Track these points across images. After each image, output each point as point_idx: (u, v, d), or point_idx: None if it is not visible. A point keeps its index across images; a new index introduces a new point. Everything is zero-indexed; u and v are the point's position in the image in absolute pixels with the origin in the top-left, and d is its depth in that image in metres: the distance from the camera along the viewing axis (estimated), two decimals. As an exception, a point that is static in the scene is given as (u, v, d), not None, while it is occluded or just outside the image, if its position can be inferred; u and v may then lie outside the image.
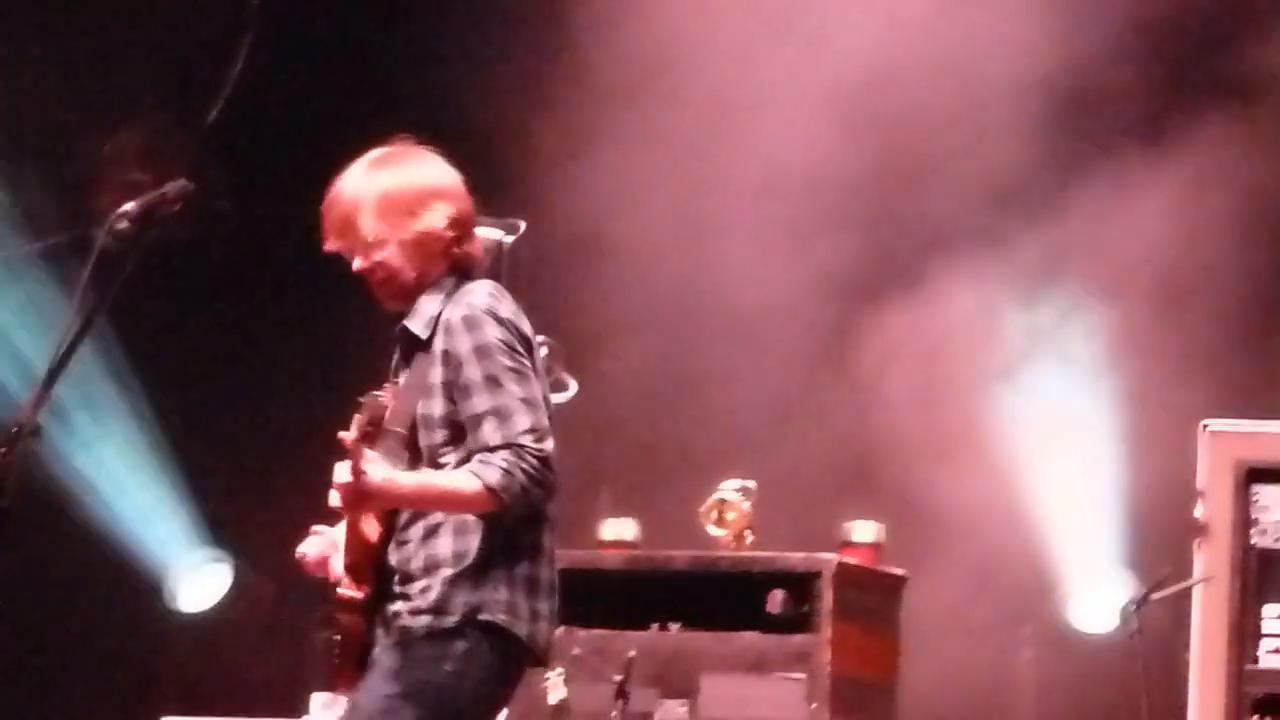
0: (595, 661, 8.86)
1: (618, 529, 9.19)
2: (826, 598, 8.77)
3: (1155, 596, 8.92)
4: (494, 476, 6.88)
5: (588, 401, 9.47)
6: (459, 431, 6.98)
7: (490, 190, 8.84)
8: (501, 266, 9.28)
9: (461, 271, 7.20)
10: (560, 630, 8.51)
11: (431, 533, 7.08)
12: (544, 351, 8.95)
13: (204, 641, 9.39)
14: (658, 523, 9.38)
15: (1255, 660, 8.53)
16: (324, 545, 7.41)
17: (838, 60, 11.02)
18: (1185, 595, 8.73)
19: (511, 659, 7.17)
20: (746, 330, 10.66)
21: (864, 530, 9.10)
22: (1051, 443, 10.08)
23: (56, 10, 11.51)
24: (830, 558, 8.88)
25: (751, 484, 9.21)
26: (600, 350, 9.91)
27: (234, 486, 10.09)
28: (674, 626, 8.96)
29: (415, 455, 7.30)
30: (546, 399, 7.29)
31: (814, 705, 8.74)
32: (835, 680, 8.73)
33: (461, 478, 6.99)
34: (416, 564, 7.03)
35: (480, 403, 6.92)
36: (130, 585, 11.30)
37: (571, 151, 11.02)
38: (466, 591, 7.00)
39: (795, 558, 8.94)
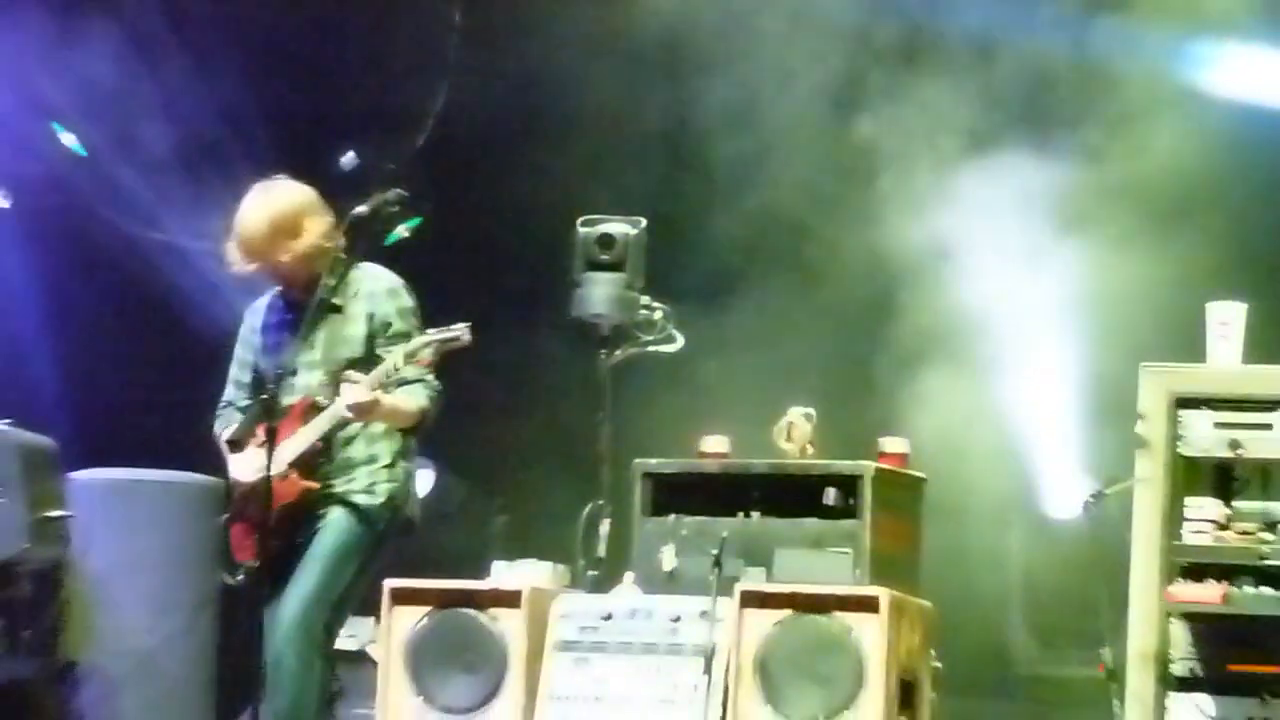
0: (698, 540, 9.07)
1: (715, 443, 9.35)
2: (867, 494, 8.95)
3: (1108, 492, 9.19)
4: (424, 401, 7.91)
5: (693, 353, 9.79)
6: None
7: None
8: (628, 253, 9.64)
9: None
10: (672, 517, 9.13)
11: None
12: (658, 314, 9.67)
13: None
14: (746, 439, 9.53)
15: (1179, 538, 8.60)
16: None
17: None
18: (1130, 491, 8.75)
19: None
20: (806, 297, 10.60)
21: (894, 444, 9.27)
22: (1037, 377, 10.10)
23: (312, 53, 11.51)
24: (869, 464, 9.06)
25: (812, 410, 9.41)
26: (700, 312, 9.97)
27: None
28: (755, 515, 9.16)
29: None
30: None
31: (858, 572, 8.90)
32: (874, 555, 8.94)
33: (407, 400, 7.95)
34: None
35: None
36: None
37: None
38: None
39: (844, 464, 9.10)
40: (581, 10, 10.83)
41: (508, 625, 8.94)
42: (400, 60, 11.28)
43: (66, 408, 10.16)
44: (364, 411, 7.93)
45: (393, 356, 7.95)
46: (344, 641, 9.23)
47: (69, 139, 11.57)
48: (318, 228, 8.19)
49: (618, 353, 9.39)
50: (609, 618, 8.98)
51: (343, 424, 8.03)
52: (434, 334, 7.98)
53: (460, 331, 8.00)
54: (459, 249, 9.75)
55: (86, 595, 9.90)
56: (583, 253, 9.48)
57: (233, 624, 9.93)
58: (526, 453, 9.87)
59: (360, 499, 8.13)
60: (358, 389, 7.88)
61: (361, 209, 8.27)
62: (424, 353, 7.96)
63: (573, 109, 10.90)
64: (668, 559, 9.20)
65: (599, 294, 9.41)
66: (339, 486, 8.16)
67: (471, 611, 8.99)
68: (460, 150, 11.19)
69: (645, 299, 9.46)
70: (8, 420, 9.73)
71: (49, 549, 9.70)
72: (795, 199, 10.49)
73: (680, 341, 9.49)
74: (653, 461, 9.35)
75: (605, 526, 9.63)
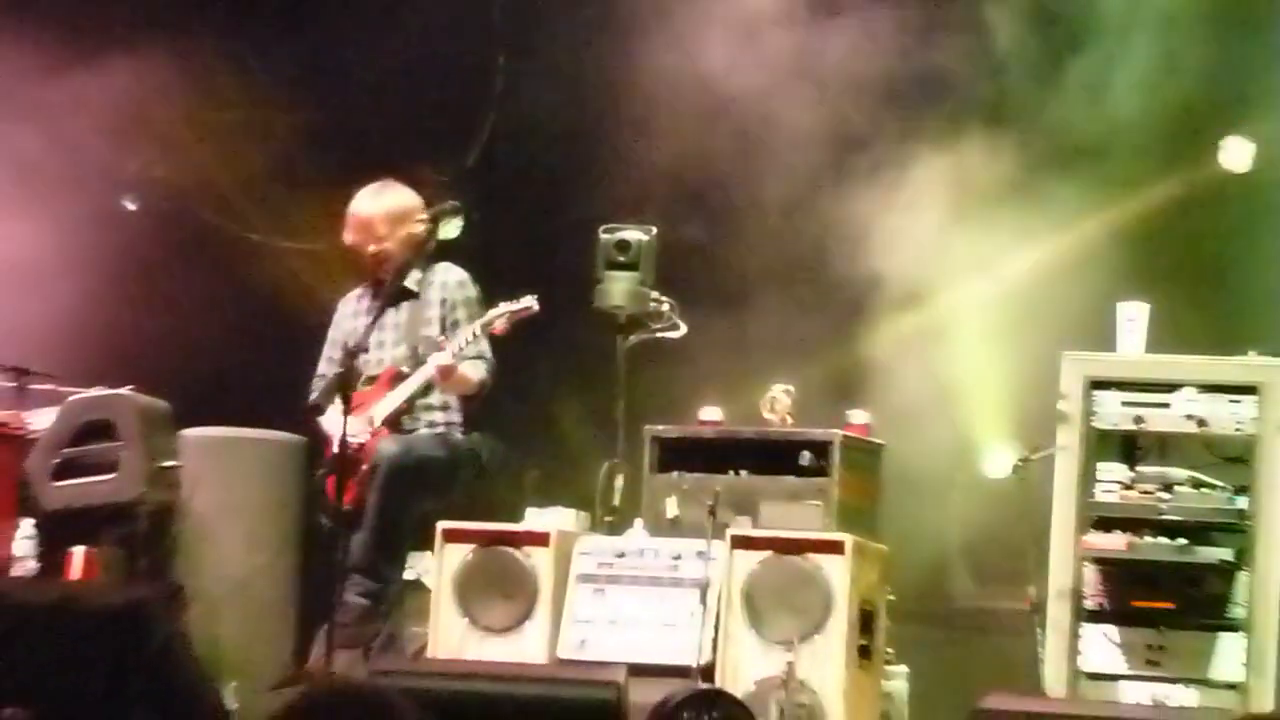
0: (696, 493, 9.06)
1: (710, 413, 9.36)
2: (835, 457, 8.99)
3: (1034, 457, 9.18)
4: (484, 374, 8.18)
5: (693, 336, 9.60)
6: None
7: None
8: (641, 255, 9.49)
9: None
10: (675, 474, 9.13)
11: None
12: (665, 306, 9.63)
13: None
14: (737, 409, 9.53)
15: (1092, 496, 8.73)
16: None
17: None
18: (1052, 457, 8.89)
19: None
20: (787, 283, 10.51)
21: (858, 415, 9.29)
22: (978, 361, 10.05)
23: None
24: (838, 433, 9.08)
25: (791, 387, 9.38)
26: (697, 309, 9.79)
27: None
28: (743, 473, 9.17)
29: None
30: None
31: (827, 521, 8.91)
32: (840, 507, 8.97)
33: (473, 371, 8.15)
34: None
35: None
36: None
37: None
38: None
39: (817, 432, 9.12)
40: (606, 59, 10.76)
41: (539, 561, 8.95)
42: (454, 90, 11.21)
43: (178, 377, 10.16)
44: (446, 374, 8.11)
45: (471, 325, 8.17)
46: (404, 573, 9.38)
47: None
48: (414, 226, 8.42)
49: (632, 338, 9.35)
50: (622, 555, 9.00)
51: (425, 389, 8.14)
52: (506, 306, 8.16)
53: (530, 302, 8.26)
54: (501, 249, 9.68)
55: (192, 532, 9.92)
56: (603, 255, 9.41)
57: (312, 556, 9.95)
58: (555, 420, 9.91)
59: (439, 452, 8.46)
60: (443, 355, 8.02)
61: (424, 215, 8.43)
62: (498, 322, 8.17)
63: (598, 135, 10.83)
64: (671, 508, 9.24)
65: (617, 289, 9.34)
66: (408, 425, 8.41)
67: (509, 549, 8.97)
68: (508, 166, 11.19)
69: (655, 294, 9.41)
70: (130, 386, 9.75)
71: (163, 493, 9.70)
72: (784, 215, 10.46)
73: (683, 329, 9.43)
74: (659, 428, 9.35)
75: (619, 481, 9.55)
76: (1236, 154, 10.37)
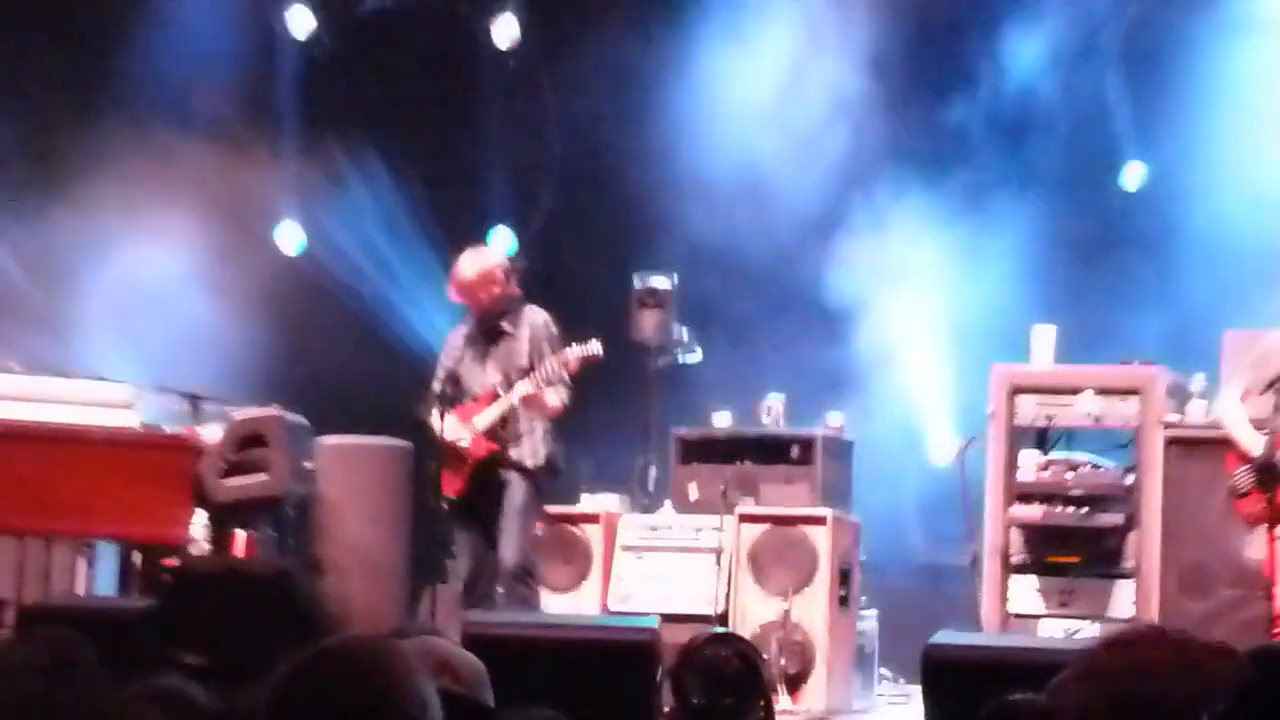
0: (712, 479, 9.18)
1: (721, 417, 9.49)
2: (818, 450, 9.13)
3: (971, 447, 9.25)
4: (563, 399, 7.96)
5: (707, 359, 9.72)
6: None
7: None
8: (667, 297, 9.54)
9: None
10: (694, 464, 9.24)
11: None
12: (686, 336, 9.50)
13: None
14: (741, 415, 9.56)
15: (1016, 477, 8.86)
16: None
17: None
18: (984, 445, 9.00)
19: None
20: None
21: (834, 417, 9.40)
22: (928, 371, 9.90)
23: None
24: (819, 431, 9.25)
25: (783, 395, 9.48)
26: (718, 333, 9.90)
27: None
28: (748, 463, 9.26)
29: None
30: None
31: (814, 495, 9.01)
32: (822, 488, 9.08)
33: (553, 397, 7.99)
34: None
35: None
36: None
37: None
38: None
39: (803, 431, 9.29)
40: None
41: (591, 534, 9.12)
42: (519, 171, 11.11)
43: (313, 397, 10.00)
44: (529, 402, 8.09)
45: (550, 361, 8.11)
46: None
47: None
48: (503, 282, 8.33)
49: (660, 361, 9.37)
50: (654, 529, 9.12)
51: (514, 409, 8.17)
52: (580, 348, 8.14)
53: (597, 348, 8.19)
54: (558, 292, 9.46)
55: (326, 516, 9.85)
56: (637, 296, 9.46)
57: (421, 533, 9.83)
58: (603, 425, 9.67)
59: (529, 462, 8.23)
60: (527, 384, 8.06)
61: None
62: (573, 362, 8.11)
63: (638, 200, 10.67)
64: (692, 492, 9.31)
65: (647, 324, 9.39)
66: (513, 452, 8.23)
67: (569, 525, 9.14)
68: (566, 227, 10.98)
69: (678, 326, 9.41)
70: (277, 405, 9.64)
71: (303, 487, 9.65)
72: (777, 262, 10.29)
73: (699, 354, 9.48)
74: (682, 430, 9.46)
75: (652, 471, 9.59)
76: (1133, 177, 10.26)
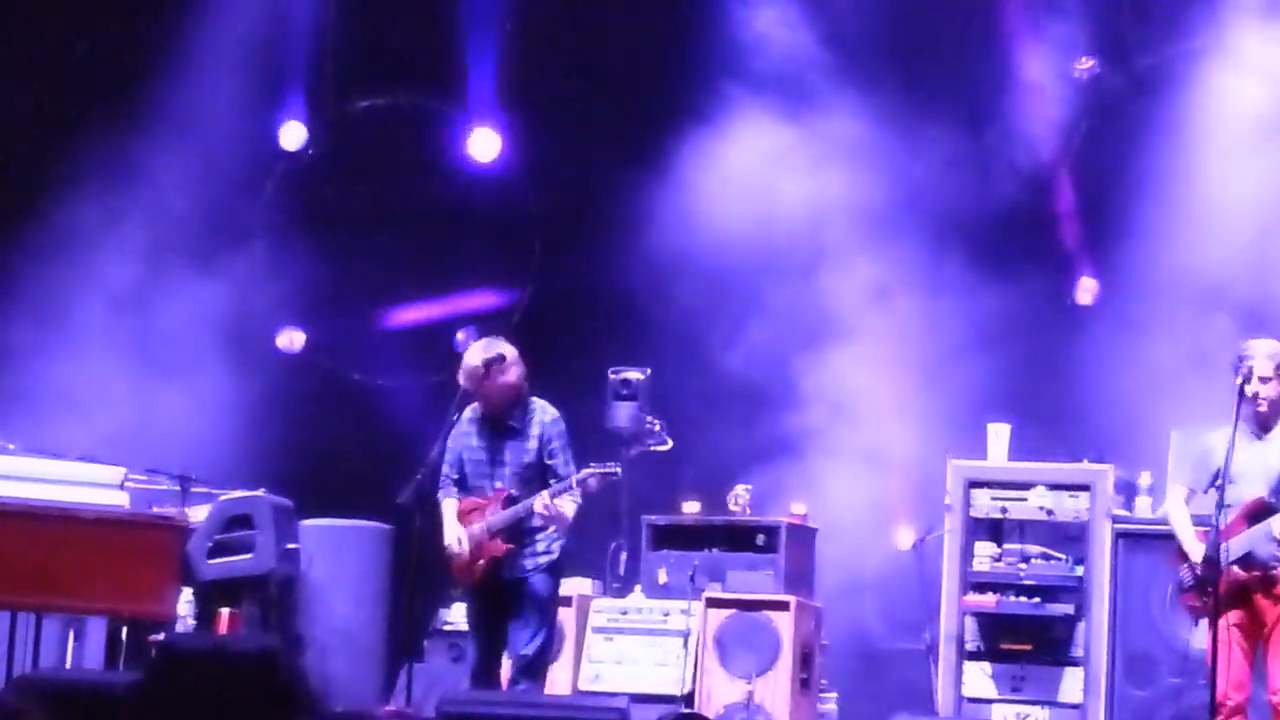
0: (680, 565, 9.07)
1: (690, 506, 9.40)
2: (782, 538, 9.00)
3: (929, 537, 9.22)
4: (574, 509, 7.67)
5: (678, 449, 9.55)
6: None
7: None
8: (639, 390, 9.44)
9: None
10: (665, 550, 9.11)
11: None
12: (657, 426, 9.48)
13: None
14: (710, 503, 9.45)
15: (971, 566, 8.85)
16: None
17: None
18: (941, 537, 8.99)
19: None
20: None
21: (798, 507, 9.25)
22: (886, 465, 9.83)
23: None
24: (784, 520, 9.11)
25: (750, 486, 9.44)
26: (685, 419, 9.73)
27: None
28: (715, 550, 9.15)
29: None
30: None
31: (778, 581, 8.90)
32: (786, 574, 8.95)
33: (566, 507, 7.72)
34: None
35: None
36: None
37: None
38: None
39: (768, 520, 9.18)
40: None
41: (565, 617, 8.83)
42: (499, 275, 11.17)
43: (297, 481, 9.98)
44: (549, 516, 7.75)
45: (570, 479, 7.78)
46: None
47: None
48: (513, 374, 7.99)
49: (633, 449, 9.26)
50: (625, 612, 9.03)
51: (530, 513, 7.84)
52: (599, 467, 7.84)
53: (616, 469, 7.92)
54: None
55: (308, 596, 9.80)
56: (612, 389, 9.39)
57: (399, 613, 9.70)
58: (578, 510, 9.64)
59: (544, 560, 7.90)
60: (545, 498, 7.73)
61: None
62: (590, 481, 7.78)
63: (612, 301, 10.68)
64: (662, 576, 9.20)
65: (621, 415, 9.32)
66: (527, 551, 7.88)
67: None
68: (544, 325, 10.83)
69: (649, 418, 9.32)
70: (263, 489, 9.64)
71: (287, 567, 9.58)
72: (747, 361, 10.19)
73: (670, 444, 9.38)
74: (653, 517, 9.34)
75: (623, 556, 9.50)
76: (1085, 292, 10.32)
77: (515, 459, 7.90)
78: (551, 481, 7.77)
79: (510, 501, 7.87)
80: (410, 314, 11.33)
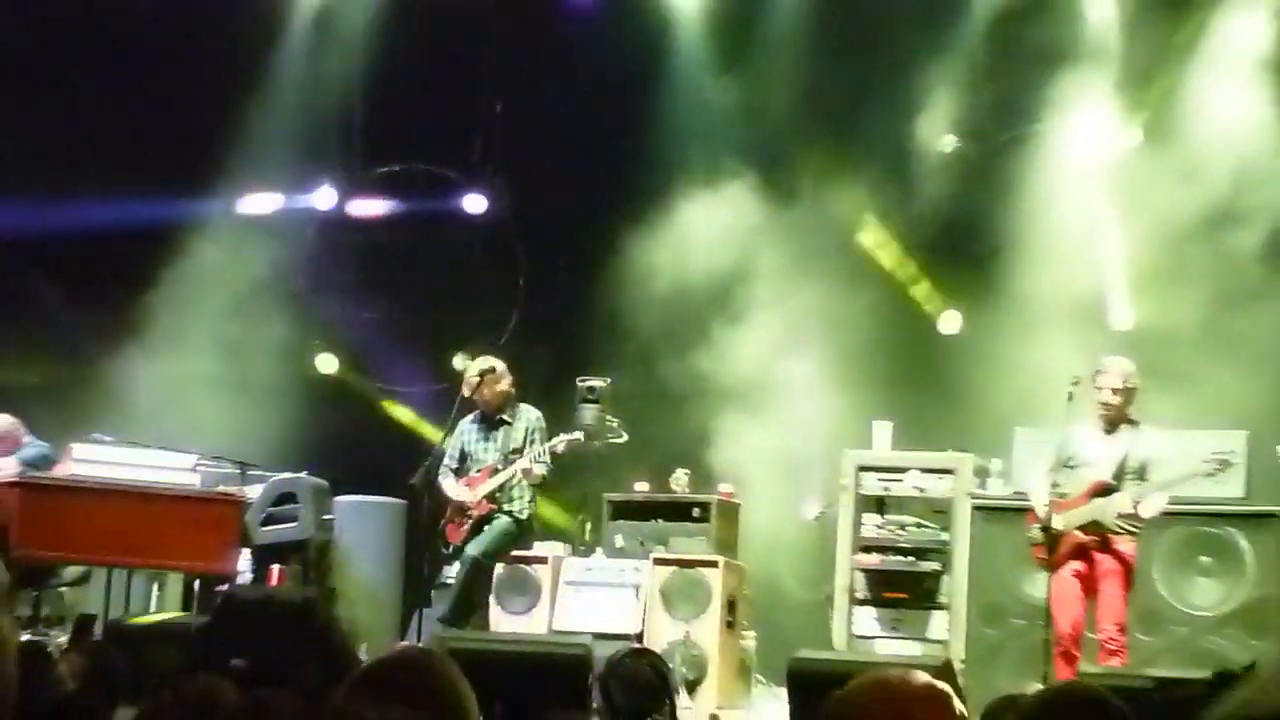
0: (634, 533, 9.07)
1: (641, 486, 9.35)
2: (713, 512, 9.03)
3: (828, 510, 9.17)
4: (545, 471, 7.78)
5: (631, 442, 9.37)
6: None
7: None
8: (602, 395, 9.26)
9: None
10: (622, 521, 9.05)
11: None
12: (616, 424, 9.22)
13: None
14: (656, 484, 9.37)
15: (861, 533, 8.83)
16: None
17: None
18: (838, 510, 8.94)
19: None
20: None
21: (726, 486, 9.25)
22: (796, 454, 9.70)
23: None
24: (715, 497, 9.11)
25: (688, 470, 9.43)
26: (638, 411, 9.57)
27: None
28: (661, 520, 9.13)
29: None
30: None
31: (709, 549, 8.89)
32: (716, 540, 8.96)
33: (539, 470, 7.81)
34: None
35: None
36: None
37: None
38: None
39: (702, 497, 9.16)
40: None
41: (542, 572, 8.97)
42: (487, 306, 11.01)
43: (332, 468, 9.97)
44: (525, 473, 7.97)
45: (543, 445, 8.06)
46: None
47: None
48: (503, 382, 8.22)
49: (595, 443, 9.17)
50: (590, 569, 9.01)
51: (510, 480, 8.02)
52: (566, 436, 8.11)
53: (579, 435, 8.20)
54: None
55: (340, 557, 9.74)
56: (580, 394, 9.34)
57: (412, 570, 9.68)
58: (551, 490, 9.51)
59: (516, 513, 8.17)
60: (524, 461, 8.01)
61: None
62: (559, 446, 8.05)
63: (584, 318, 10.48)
64: (619, 541, 9.19)
65: (587, 415, 9.24)
66: (504, 506, 8.18)
67: (524, 565, 8.97)
68: (528, 344, 10.63)
69: (609, 418, 9.29)
70: (304, 472, 9.70)
71: (323, 534, 9.57)
72: (686, 365, 10.05)
73: (625, 437, 9.34)
74: (614, 495, 9.33)
75: (588, 526, 9.50)
76: (948, 323, 10.10)
77: (504, 444, 8.12)
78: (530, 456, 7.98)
79: (494, 473, 8.06)
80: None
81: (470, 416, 8.30)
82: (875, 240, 10.17)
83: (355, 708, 2.42)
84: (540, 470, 8.10)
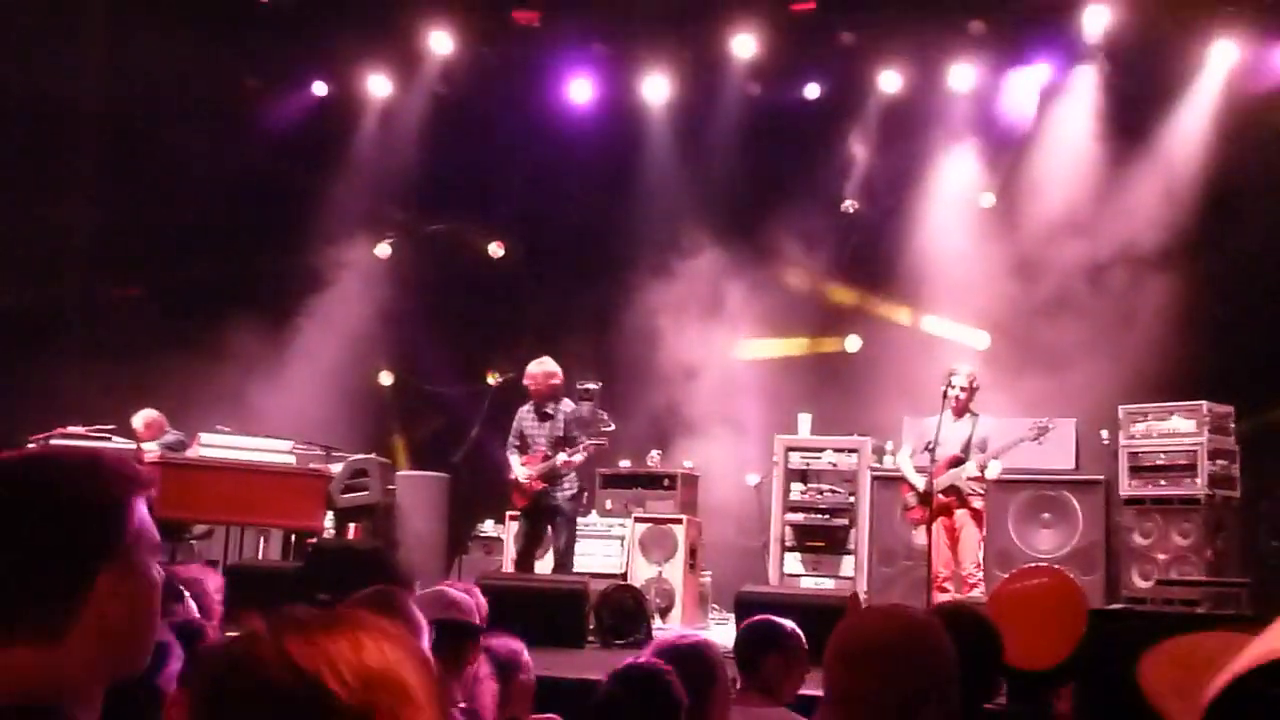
0: (620, 497, 8.91)
1: (624, 462, 9.08)
2: (679, 480, 8.89)
3: (764, 480, 9.04)
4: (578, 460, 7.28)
5: (617, 431, 8.94)
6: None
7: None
8: (595, 395, 9.03)
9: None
10: (611, 489, 8.79)
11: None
12: (605, 416, 8.90)
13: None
14: (636, 461, 9.17)
15: (791, 498, 8.77)
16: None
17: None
18: (773, 479, 8.85)
19: None
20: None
21: (688, 461, 9.13)
22: (738, 431, 9.51)
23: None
24: (680, 470, 8.97)
25: (660, 451, 9.24)
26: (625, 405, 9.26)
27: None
28: (640, 488, 8.98)
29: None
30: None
31: (676, 507, 8.74)
32: (681, 503, 8.85)
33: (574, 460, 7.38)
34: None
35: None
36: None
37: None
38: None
39: (671, 469, 8.99)
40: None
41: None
42: (506, 326, 10.67)
43: (394, 450, 9.87)
44: (565, 464, 7.59)
45: (578, 445, 7.60)
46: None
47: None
48: (556, 379, 7.76)
49: (590, 430, 8.98)
50: (587, 525, 8.81)
51: (556, 465, 7.65)
52: (596, 439, 7.69)
53: (604, 441, 7.78)
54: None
55: (401, 516, 9.61)
56: (578, 393, 9.06)
57: (454, 526, 9.55)
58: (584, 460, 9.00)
59: (569, 492, 7.73)
60: (564, 455, 7.59)
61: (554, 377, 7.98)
62: (590, 446, 7.64)
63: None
64: (608, 504, 9.11)
65: (583, 410, 8.89)
66: (556, 490, 7.55)
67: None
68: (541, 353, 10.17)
69: (601, 412, 9.05)
70: (373, 454, 9.56)
71: (388, 500, 9.47)
72: (660, 369, 9.83)
73: (613, 427, 8.88)
74: (605, 469, 9.19)
75: (585, 494, 9.01)
76: (852, 344, 10.14)
77: (551, 432, 7.75)
78: (567, 448, 7.69)
79: (545, 459, 7.77)
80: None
81: (526, 405, 7.93)
82: (801, 279, 10.13)
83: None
84: (578, 460, 7.80)
